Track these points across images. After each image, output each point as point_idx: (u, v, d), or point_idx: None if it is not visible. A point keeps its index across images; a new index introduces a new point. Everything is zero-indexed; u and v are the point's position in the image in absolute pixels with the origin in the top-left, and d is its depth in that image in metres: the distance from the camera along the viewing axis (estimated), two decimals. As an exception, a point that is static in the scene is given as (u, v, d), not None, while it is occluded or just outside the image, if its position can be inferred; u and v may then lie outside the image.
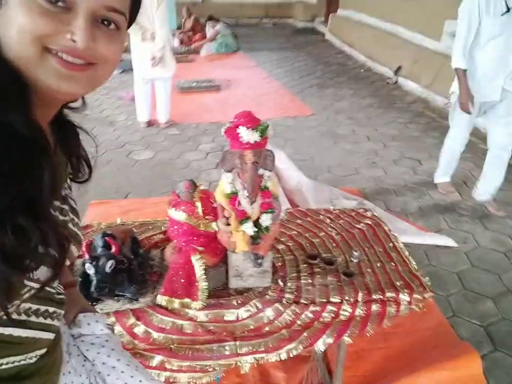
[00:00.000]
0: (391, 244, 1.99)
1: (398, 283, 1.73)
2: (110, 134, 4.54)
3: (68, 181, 0.77)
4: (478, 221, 3.03)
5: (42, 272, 0.61)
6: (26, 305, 0.64)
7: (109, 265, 1.51)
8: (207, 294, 1.62)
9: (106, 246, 1.59)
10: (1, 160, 0.51)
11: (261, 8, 13.31)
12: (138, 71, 4.51)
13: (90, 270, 1.50)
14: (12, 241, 0.52)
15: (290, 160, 2.90)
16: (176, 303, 1.60)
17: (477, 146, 4.14)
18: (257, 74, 7.09)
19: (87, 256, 1.54)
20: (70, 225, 0.73)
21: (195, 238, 1.66)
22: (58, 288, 0.77)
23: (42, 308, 0.67)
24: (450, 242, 2.72)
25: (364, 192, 3.40)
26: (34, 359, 0.67)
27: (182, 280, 1.62)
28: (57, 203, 0.70)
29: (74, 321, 0.88)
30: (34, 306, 0.66)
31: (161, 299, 1.58)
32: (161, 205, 3.10)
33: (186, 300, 1.61)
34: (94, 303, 1.60)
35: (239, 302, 1.66)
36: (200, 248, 1.66)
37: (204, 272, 1.64)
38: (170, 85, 4.71)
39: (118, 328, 1.54)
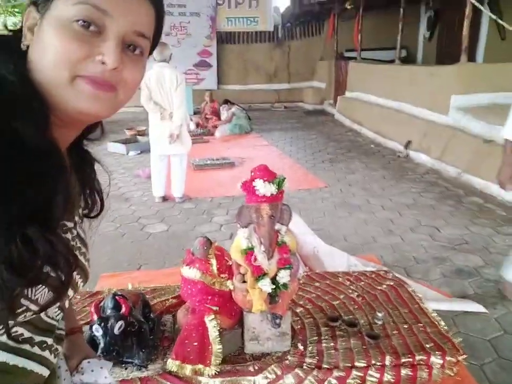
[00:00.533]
0: (416, 305, 1.87)
1: (428, 345, 1.60)
2: (125, 209, 4.60)
3: (80, 210, 0.76)
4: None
5: (43, 295, 0.58)
6: (20, 330, 0.59)
7: (118, 326, 1.44)
8: (221, 359, 1.51)
9: (116, 307, 1.52)
10: (16, 172, 0.52)
11: (273, 94, 14.08)
12: (156, 148, 4.67)
13: (98, 332, 1.42)
14: (19, 250, 0.51)
15: (306, 225, 2.86)
16: (187, 370, 1.49)
17: None
18: (270, 152, 7.28)
19: (95, 318, 1.47)
20: (77, 253, 0.70)
21: (209, 298, 1.59)
22: (61, 323, 0.72)
23: (38, 338, 0.63)
24: (479, 308, 2.57)
25: (382, 259, 3.29)
26: None
27: (195, 344, 1.53)
28: (70, 224, 0.68)
29: (77, 368, 0.81)
30: (29, 334, 0.61)
31: (172, 364, 1.47)
32: (174, 276, 3.03)
33: (199, 366, 1.50)
34: (101, 370, 1.50)
35: (256, 368, 1.54)
36: (215, 308, 1.58)
37: (218, 334, 1.55)
38: (186, 161, 4.84)
39: (125, 399, 1.43)
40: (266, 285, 1.51)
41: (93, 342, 1.50)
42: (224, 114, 9.39)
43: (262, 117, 11.29)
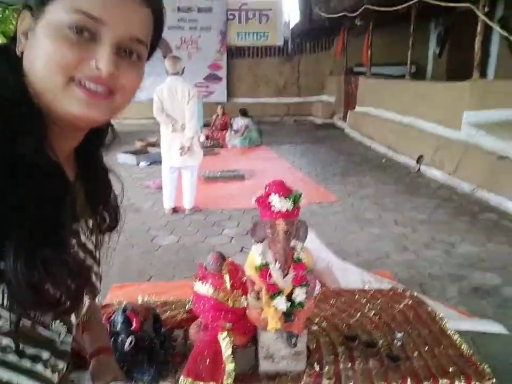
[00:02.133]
0: (437, 326, 1.80)
1: (451, 369, 1.53)
2: (135, 220, 4.57)
3: (90, 223, 0.72)
4: (525, 306, 2.79)
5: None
6: (5, 340, 0.55)
7: (128, 342, 1.39)
8: (233, 378, 1.45)
9: (127, 322, 1.47)
10: (15, 193, 0.51)
11: (282, 107, 14.12)
12: (167, 160, 4.67)
13: (109, 347, 1.38)
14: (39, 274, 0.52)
15: (319, 240, 2.80)
16: (200, 388, 1.43)
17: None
18: (280, 165, 7.26)
19: (106, 332, 1.42)
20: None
21: (223, 314, 1.53)
22: (66, 337, 0.67)
23: (31, 350, 0.58)
24: (500, 328, 2.48)
25: (396, 276, 3.21)
26: None
27: (207, 361, 1.47)
28: (83, 238, 0.65)
29: None
30: (15, 345, 0.56)
31: (185, 381, 1.41)
32: (184, 288, 2.99)
33: (212, 384, 1.44)
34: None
35: (271, 388, 1.48)
36: (228, 325, 1.52)
37: (231, 352, 1.49)
38: (196, 173, 4.82)
39: (134, 419, 1.37)
40: (281, 303, 1.46)
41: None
42: (237, 125, 9.38)
43: (272, 130, 11.30)
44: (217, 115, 10.08)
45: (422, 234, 4.08)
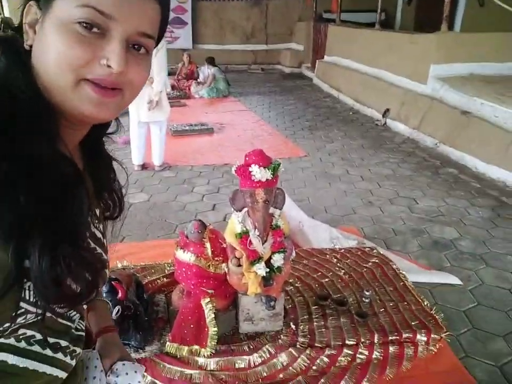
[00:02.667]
0: (401, 283, 1.95)
1: (413, 323, 1.69)
2: (103, 177, 4.51)
3: (97, 211, 0.74)
4: (479, 257, 3.02)
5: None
6: (29, 332, 0.59)
7: (115, 312, 1.45)
8: (216, 341, 1.55)
9: (112, 291, 1.52)
10: (33, 192, 0.51)
11: (250, 55, 13.75)
12: (135, 114, 4.54)
13: (96, 317, 1.43)
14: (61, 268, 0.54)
15: (290, 199, 2.87)
16: (185, 351, 1.53)
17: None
18: (249, 118, 7.19)
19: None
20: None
21: (205, 281, 1.61)
22: (80, 324, 0.72)
23: (51, 340, 0.62)
24: (454, 280, 2.69)
25: (362, 231, 3.38)
26: None
27: (191, 326, 1.56)
28: (92, 228, 0.67)
29: (111, 369, 0.81)
30: (40, 336, 0.60)
31: (170, 347, 1.50)
32: (158, 248, 3.05)
33: (195, 347, 1.54)
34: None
35: (251, 347, 1.59)
36: (210, 291, 1.61)
37: (214, 316, 1.58)
38: (165, 128, 4.74)
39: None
40: (261, 269, 1.54)
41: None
42: (203, 74, 9.12)
43: (239, 79, 11.07)
44: (183, 63, 9.73)
45: (386, 189, 4.25)
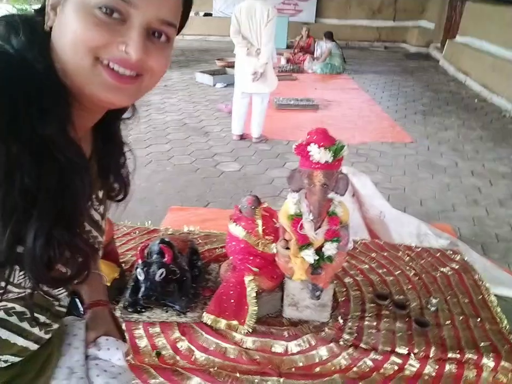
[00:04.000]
0: (480, 297, 1.70)
1: (482, 344, 1.46)
2: (202, 143, 4.66)
3: (100, 193, 0.73)
4: None
5: (26, 281, 0.58)
6: (10, 305, 0.60)
7: (159, 274, 1.47)
8: (255, 320, 1.51)
9: (160, 254, 1.54)
10: (36, 177, 0.52)
11: (373, 31, 13.06)
12: (239, 84, 4.59)
13: (141, 276, 1.47)
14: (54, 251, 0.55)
15: (375, 187, 2.67)
16: (222, 324, 1.51)
17: None
18: (358, 97, 6.87)
19: (140, 261, 1.51)
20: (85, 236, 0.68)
21: (251, 258, 1.56)
22: (64, 301, 0.73)
23: (28, 312, 0.63)
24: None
25: (458, 231, 3.03)
26: (3, 364, 0.63)
27: (232, 301, 1.53)
28: (90, 211, 0.67)
29: (95, 341, 0.82)
30: (22, 309, 0.62)
31: (207, 317, 1.49)
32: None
33: (234, 322, 1.51)
34: (143, 310, 1.57)
35: (291, 334, 1.52)
36: (255, 269, 1.56)
37: (256, 295, 1.53)
38: (267, 101, 4.72)
39: (162, 340, 1.49)
40: (309, 255, 1.44)
41: (137, 281, 1.58)
42: (321, 49, 8.88)
43: (358, 56, 10.60)
44: (301, 36, 9.57)
45: (499, 189, 3.75)
